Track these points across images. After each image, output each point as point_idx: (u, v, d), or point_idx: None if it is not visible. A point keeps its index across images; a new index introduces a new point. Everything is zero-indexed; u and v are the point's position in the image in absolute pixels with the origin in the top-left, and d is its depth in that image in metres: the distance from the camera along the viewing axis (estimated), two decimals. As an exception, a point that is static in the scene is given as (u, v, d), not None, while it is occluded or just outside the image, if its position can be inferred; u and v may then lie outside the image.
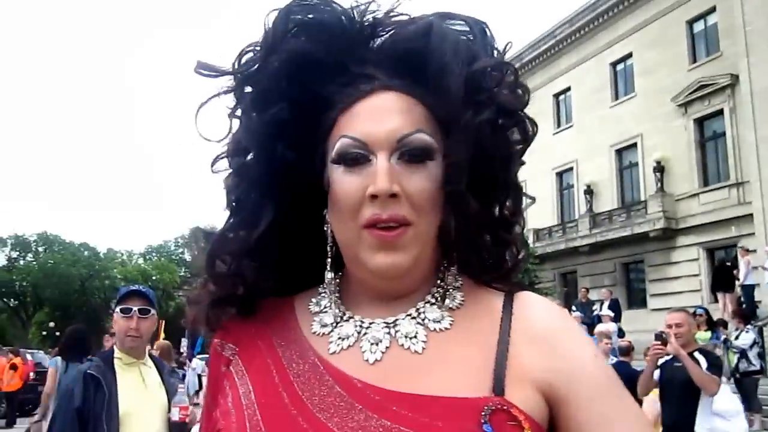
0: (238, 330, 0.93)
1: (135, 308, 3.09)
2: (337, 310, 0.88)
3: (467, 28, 0.88)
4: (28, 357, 19.13)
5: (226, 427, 0.81)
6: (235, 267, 0.92)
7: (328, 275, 0.89)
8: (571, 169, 25.49)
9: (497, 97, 0.87)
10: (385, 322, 0.85)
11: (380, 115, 0.83)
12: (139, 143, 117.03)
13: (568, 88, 25.78)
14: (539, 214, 26.16)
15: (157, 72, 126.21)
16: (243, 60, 0.89)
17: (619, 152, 23.63)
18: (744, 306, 14.00)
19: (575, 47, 25.46)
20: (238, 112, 0.91)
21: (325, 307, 0.90)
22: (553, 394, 0.79)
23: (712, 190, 20.12)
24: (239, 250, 0.91)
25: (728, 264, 16.43)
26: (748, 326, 10.57)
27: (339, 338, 0.85)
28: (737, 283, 15.42)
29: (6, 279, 49.12)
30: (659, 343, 5.07)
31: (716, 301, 17.03)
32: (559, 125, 26.08)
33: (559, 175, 26.12)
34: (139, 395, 2.99)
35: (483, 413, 0.73)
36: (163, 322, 14.36)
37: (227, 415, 0.83)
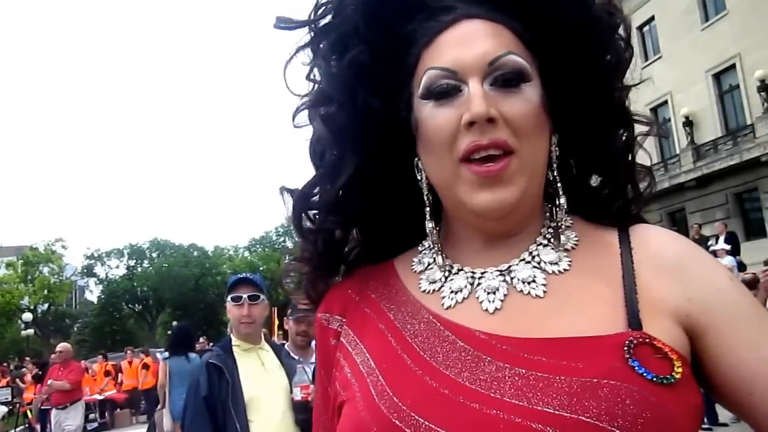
0: (341, 301, 0.90)
1: (245, 295, 3.18)
2: (443, 263, 0.84)
3: None
4: (158, 356, 20.39)
5: (350, 397, 0.78)
6: (321, 221, 0.91)
7: (429, 225, 0.84)
8: (665, 102, 24.16)
9: (602, 12, 0.82)
10: (498, 270, 0.80)
11: (467, 41, 0.78)
12: (229, 139, 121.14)
13: (652, 18, 24.33)
14: (636, 154, 25.08)
15: (243, 64, 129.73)
16: (318, 11, 0.87)
17: (717, 77, 22.14)
18: None
19: (654, -27, 23.94)
20: (320, 63, 0.88)
21: (429, 264, 0.86)
22: (693, 325, 0.73)
23: (827, 101, 18.50)
24: (324, 203, 0.89)
25: None
26: None
27: (452, 292, 0.81)
28: None
29: (128, 287, 52.47)
30: None
31: None
32: (646, 59, 24.75)
33: (654, 110, 24.79)
34: (261, 379, 3.08)
35: (626, 348, 0.68)
36: (275, 309, 14.88)
37: (349, 386, 0.79)
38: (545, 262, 0.79)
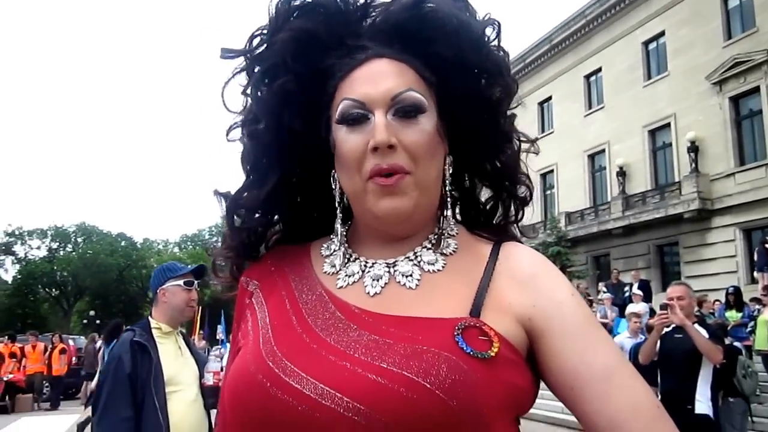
0: (261, 270, 1.07)
1: (196, 282, 3.36)
2: (345, 253, 1.01)
3: None
4: (71, 342, 19.74)
5: (245, 344, 0.95)
6: (248, 220, 1.08)
7: (338, 227, 1.02)
8: (603, 150, 25.20)
9: (490, 54, 1.00)
10: (386, 263, 0.97)
11: (375, 78, 0.94)
12: (172, 133, 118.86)
13: (599, 69, 25.43)
14: (571, 197, 25.99)
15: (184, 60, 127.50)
16: (253, 42, 1.03)
17: (652, 133, 23.28)
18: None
19: (606, 27, 25.08)
20: (251, 88, 1.04)
21: (334, 251, 1.03)
22: (533, 328, 0.90)
23: (748, 169, 19.70)
24: (251, 206, 1.07)
25: None
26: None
27: (346, 275, 0.98)
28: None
29: (47, 270, 50.62)
30: (665, 312, 5.19)
31: (753, 282, 16.77)
32: (590, 107, 25.81)
33: (591, 157, 25.87)
34: (178, 362, 3.16)
35: (456, 327, 0.84)
36: (199, 309, 14.77)
37: (247, 335, 0.97)
38: (424, 262, 0.96)
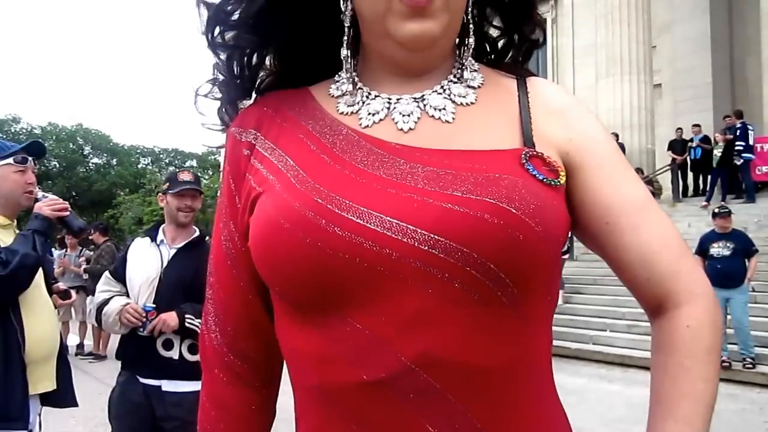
0: (255, 116, 0.91)
1: (31, 159, 2.74)
2: (361, 90, 0.88)
3: None
4: None
5: (268, 189, 0.81)
6: (236, 38, 0.92)
7: (344, 52, 0.88)
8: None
9: None
10: (413, 98, 0.86)
11: None
12: None
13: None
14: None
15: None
16: None
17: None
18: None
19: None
20: None
21: (346, 92, 0.89)
22: (570, 161, 0.85)
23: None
24: (242, 21, 0.91)
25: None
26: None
27: (369, 114, 0.85)
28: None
29: None
30: None
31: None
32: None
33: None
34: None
35: (522, 156, 0.78)
36: None
37: (266, 182, 0.82)
38: (455, 95, 0.86)
